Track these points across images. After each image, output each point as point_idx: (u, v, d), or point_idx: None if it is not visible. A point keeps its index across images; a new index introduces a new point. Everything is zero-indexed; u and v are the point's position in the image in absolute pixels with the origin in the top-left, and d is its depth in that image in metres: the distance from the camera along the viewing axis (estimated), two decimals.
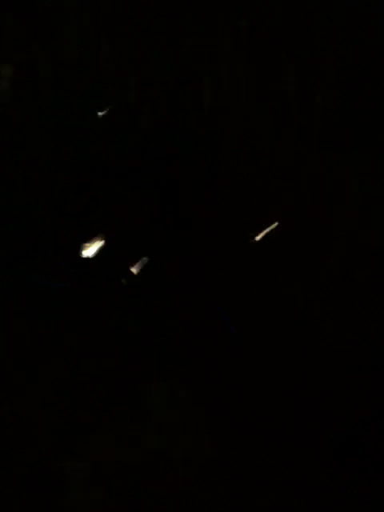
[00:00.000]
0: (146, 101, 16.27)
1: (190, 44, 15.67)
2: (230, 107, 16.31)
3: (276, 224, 15.98)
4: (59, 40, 15.55)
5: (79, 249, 16.53)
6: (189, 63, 15.87)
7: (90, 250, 16.01)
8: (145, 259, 15.93)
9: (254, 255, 17.05)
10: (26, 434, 10.48)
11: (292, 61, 16.01)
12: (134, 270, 15.71)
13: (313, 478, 10.29)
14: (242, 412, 11.52)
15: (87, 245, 16.00)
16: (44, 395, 11.44)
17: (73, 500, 9.59)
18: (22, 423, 10.66)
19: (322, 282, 16.05)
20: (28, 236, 16.20)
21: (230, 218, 16.69)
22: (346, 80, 15.54)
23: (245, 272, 16.32)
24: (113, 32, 15.42)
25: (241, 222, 16.44)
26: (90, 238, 16.51)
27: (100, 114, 16.36)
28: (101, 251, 16.27)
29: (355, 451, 10.61)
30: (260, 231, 15.90)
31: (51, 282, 14.19)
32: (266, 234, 16.11)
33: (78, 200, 16.57)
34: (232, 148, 16.55)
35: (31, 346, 12.77)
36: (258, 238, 15.98)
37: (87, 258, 16.07)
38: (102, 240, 16.21)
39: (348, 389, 11.71)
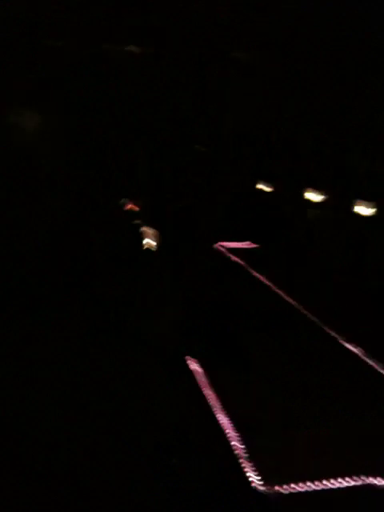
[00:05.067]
0: (148, 100, 16.22)
1: (190, 44, 15.69)
2: (229, 107, 16.30)
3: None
4: (59, 39, 15.49)
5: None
6: (189, 63, 15.86)
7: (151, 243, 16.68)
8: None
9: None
10: (26, 433, 10.45)
11: (292, 61, 16.02)
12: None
13: None
14: None
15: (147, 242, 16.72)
16: (44, 395, 11.41)
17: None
18: (21, 423, 10.63)
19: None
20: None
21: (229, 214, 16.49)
22: (346, 80, 15.55)
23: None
24: (113, 32, 15.43)
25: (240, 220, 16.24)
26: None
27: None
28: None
29: None
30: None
31: None
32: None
33: (81, 194, 16.37)
34: (232, 147, 16.49)
35: (31, 346, 12.74)
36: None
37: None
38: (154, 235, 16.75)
39: None
